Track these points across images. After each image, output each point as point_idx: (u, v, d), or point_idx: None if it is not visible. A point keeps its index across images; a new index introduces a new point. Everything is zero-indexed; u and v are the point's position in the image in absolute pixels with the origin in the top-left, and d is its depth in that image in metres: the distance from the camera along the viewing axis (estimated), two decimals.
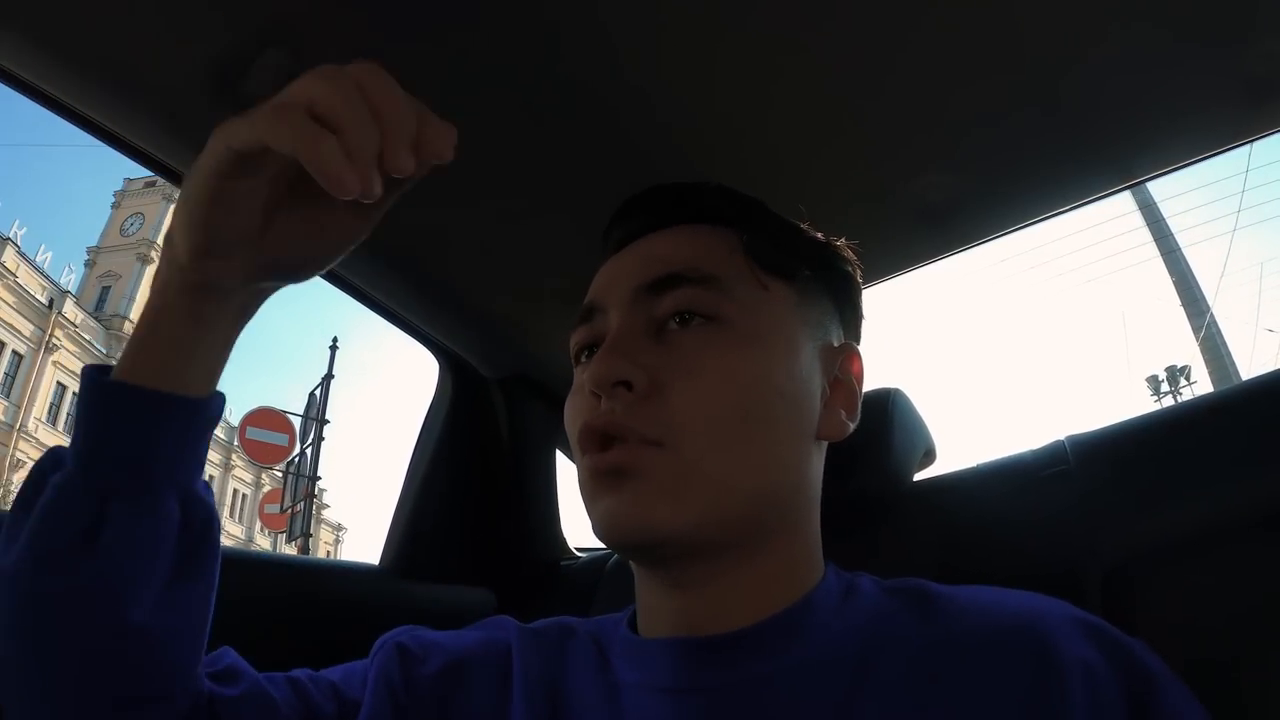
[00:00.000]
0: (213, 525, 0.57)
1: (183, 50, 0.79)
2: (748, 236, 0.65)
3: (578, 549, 1.41)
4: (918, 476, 0.94)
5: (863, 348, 0.70)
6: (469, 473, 1.33)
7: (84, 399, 0.52)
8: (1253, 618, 0.66)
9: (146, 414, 0.51)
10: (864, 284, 1.18)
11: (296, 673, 0.66)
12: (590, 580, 1.17)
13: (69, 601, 0.50)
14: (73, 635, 0.50)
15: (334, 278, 1.11)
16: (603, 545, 1.29)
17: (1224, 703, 0.52)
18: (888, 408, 0.89)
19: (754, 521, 0.58)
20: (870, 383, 0.82)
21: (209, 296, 0.52)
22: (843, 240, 0.74)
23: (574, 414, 0.62)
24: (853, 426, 0.65)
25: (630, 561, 0.63)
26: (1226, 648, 0.66)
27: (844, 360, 0.67)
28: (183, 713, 0.55)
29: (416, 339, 1.28)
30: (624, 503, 0.55)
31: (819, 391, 0.63)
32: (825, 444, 0.65)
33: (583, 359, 0.66)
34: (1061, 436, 0.86)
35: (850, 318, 0.72)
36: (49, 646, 0.51)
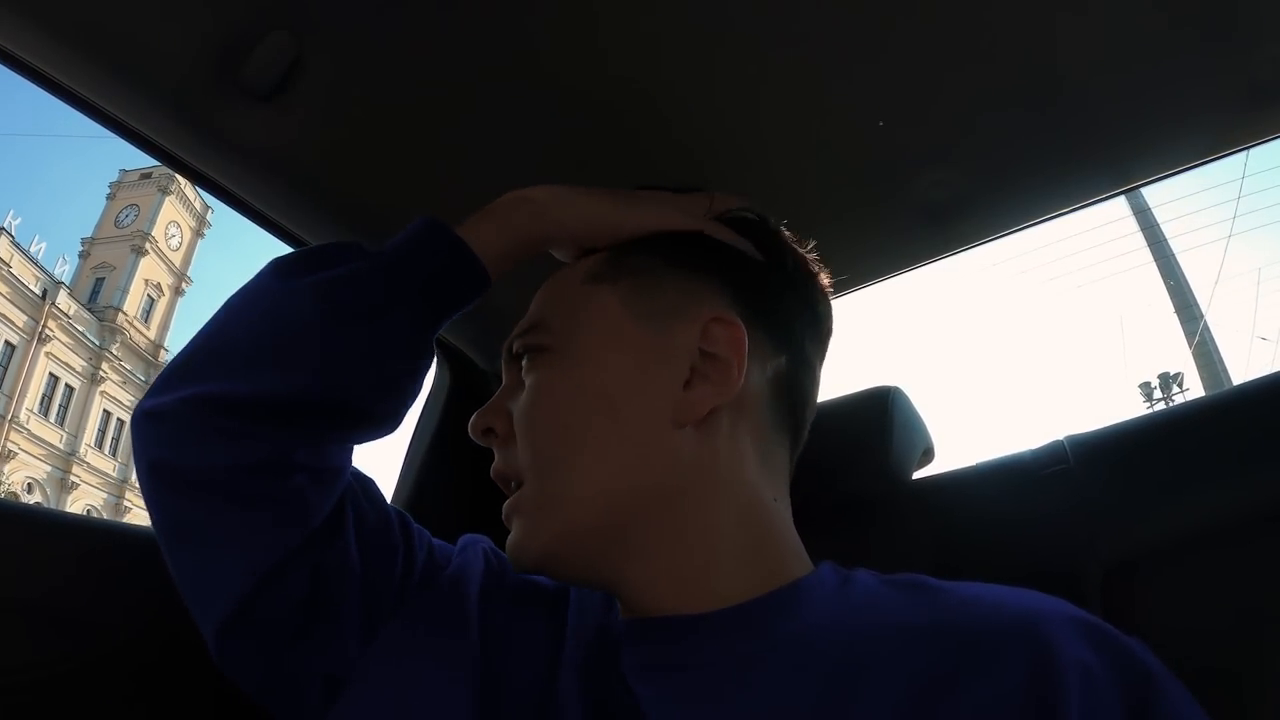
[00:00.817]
0: None
1: (186, 33, 0.79)
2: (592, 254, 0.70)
3: None
4: (917, 475, 0.94)
5: (862, 347, 0.70)
6: (465, 464, 1.33)
7: (455, 251, 0.67)
8: (1253, 617, 0.67)
9: (476, 290, 0.67)
10: (866, 282, 1.19)
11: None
12: None
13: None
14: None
15: None
16: None
17: (1223, 703, 0.52)
18: (887, 406, 0.89)
19: (622, 520, 0.60)
20: (870, 381, 0.82)
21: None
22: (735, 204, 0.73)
23: None
24: (722, 401, 0.62)
25: None
26: (1226, 647, 0.66)
27: (712, 333, 0.63)
28: (340, 486, 0.65)
29: None
30: (511, 539, 0.63)
31: (675, 376, 0.62)
32: (722, 423, 0.62)
33: None
34: (1061, 436, 0.86)
35: (743, 283, 0.67)
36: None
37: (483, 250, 0.66)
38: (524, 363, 0.66)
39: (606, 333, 0.64)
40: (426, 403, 1.34)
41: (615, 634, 0.63)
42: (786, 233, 0.73)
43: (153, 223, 34.99)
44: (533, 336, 0.66)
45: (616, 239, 0.68)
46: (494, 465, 0.66)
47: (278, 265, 0.64)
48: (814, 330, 0.70)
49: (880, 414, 0.88)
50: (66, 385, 29.20)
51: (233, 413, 0.59)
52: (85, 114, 0.83)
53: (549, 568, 0.62)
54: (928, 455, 0.95)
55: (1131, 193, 1.13)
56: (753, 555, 0.60)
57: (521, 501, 0.63)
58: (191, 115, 0.86)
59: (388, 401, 0.64)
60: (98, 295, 33.44)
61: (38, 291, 27.77)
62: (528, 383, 0.65)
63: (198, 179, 0.94)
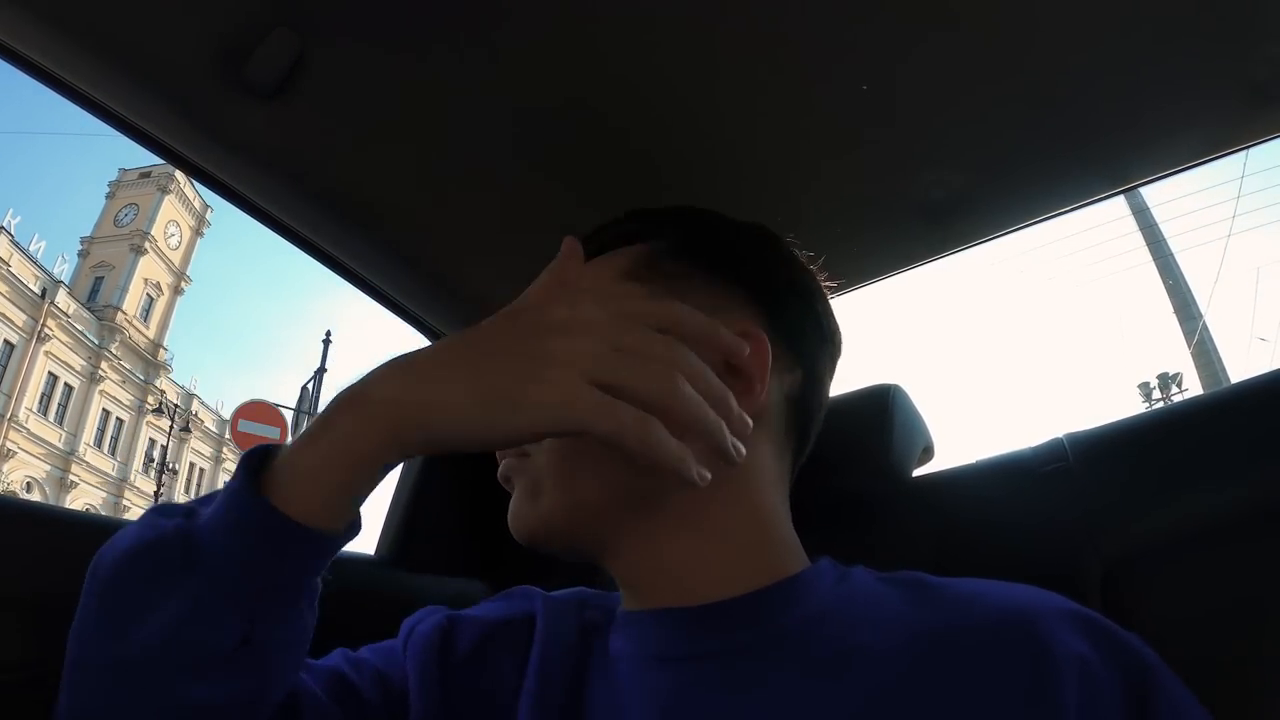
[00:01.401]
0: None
1: (190, 30, 0.79)
2: (631, 252, 0.68)
3: None
4: (916, 473, 0.94)
5: (863, 346, 0.70)
6: (464, 463, 1.33)
7: (247, 528, 0.49)
8: (1252, 614, 0.67)
9: (314, 553, 0.51)
10: (865, 281, 1.19)
11: (334, 658, 0.68)
12: (584, 570, 1.17)
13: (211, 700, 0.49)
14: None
15: (331, 262, 1.11)
16: None
17: (1223, 699, 0.52)
18: (887, 404, 0.89)
19: (636, 509, 0.60)
20: (871, 379, 0.82)
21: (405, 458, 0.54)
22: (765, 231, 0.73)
23: None
24: (763, 397, 0.62)
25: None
26: (1226, 644, 0.67)
27: (742, 350, 0.61)
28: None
29: (414, 327, 1.28)
30: (522, 505, 0.62)
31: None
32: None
33: None
34: (1060, 434, 0.86)
35: (768, 299, 0.67)
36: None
37: (310, 510, 0.49)
38: None
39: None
40: None
41: (594, 630, 0.65)
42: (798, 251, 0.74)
43: (152, 222, 35.02)
44: None
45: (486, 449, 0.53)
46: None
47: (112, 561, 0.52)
48: (828, 348, 0.71)
49: (880, 412, 0.88)
50: (66, 384, 29.20)
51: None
52: (89, 110, 0.84)
53: (551, 538, 0.62)
54: (927, 453, 0.95)
55: (1130, 192, 1.13)
56: (755, 553, 0.61)
57: (532, 468, 0.62)
58: (195, 112, 0.86)
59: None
60: (97, 294, 33.47)
61: (37, 290, 27.77)
62: None
63: (200, 175, 0.94)
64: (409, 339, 1.30)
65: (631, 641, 0.60)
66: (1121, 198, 1.16)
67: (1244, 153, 1.02)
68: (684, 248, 0.67)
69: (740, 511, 0.62)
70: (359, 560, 1.20)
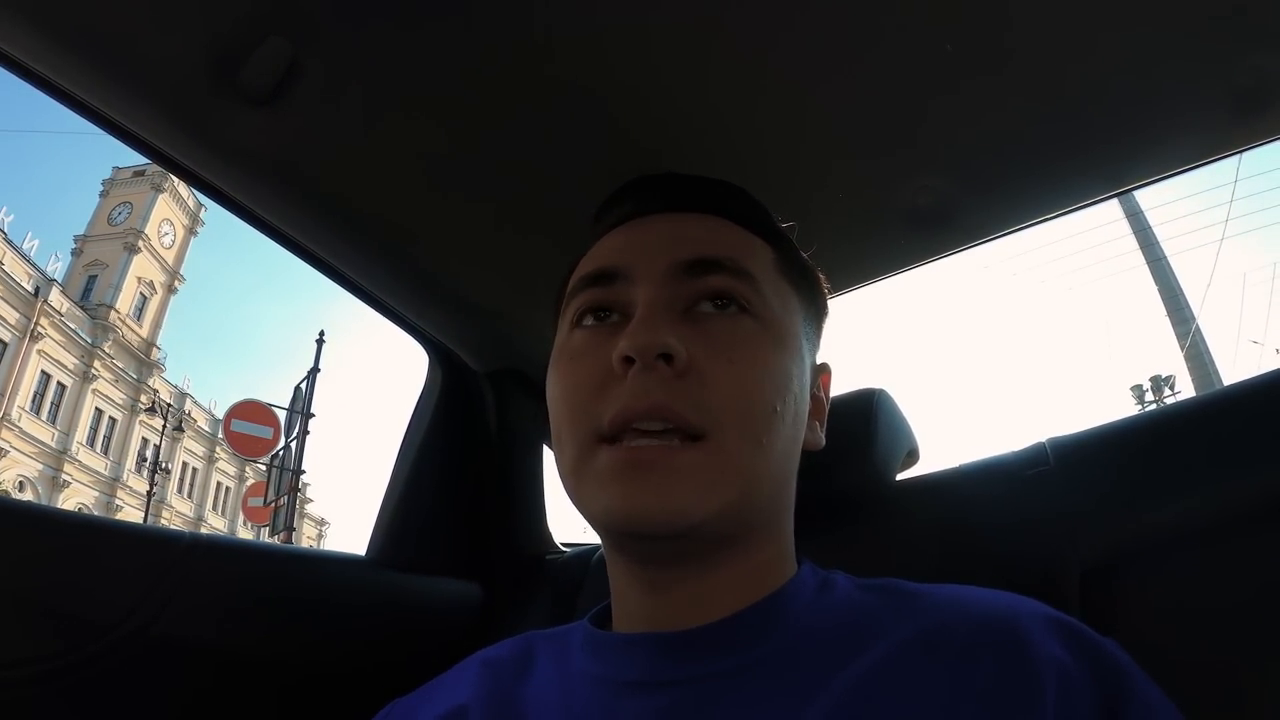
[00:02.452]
0: None
1: (184, 36, 0.79)
2: (773, 244, 0.67)
3: (563, 544, 1.41)
4: (900, 476, 0.94)
5: (851, 348, 0.72)
6: (456, 465, 1.33)
7: None
8: (1228, 617, 0.68)
9: None
10: (854, 285, 1.20)
11: None
12: (576, 574, 1.17)
13: None
14: None
15: (325, 268, 1.11)
16: (590, 540, 1.30)
17: (1198, 700, 0.53)
18: (871, 407, 0.90)
19: (761, 516, 0.60)
20: (857, 383, 0.83)
21: None
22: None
23: (577, 384, 0.60)
24: (824, 440, 0.67)
25: (620, 553, 0.62)
26: (1202, 647, 0.67)
27: (820, 378, 0.69)
28: None
29: (406, 330, 1.28)
30: (647, 492, 0.54)
31: (808, 401, 0.65)
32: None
33: (585, 322, 0.63)
34: (1043, 438, 0.87)
35: (820, 340, 0.72)
36: None
37: None
38: (710, 306, 0.60)
39: (795, 332, 0.63)
40: (418, 405, 1.34)
41: (545, 654, 0.64)
42: None
43: (146, 220, 34.87)
44: (747, 295, 0.60)
45: None
46: (652, 397, 0.54)
47: None
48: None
49: (865, 416, 0.89)
50: (59, 383, 29.06)
51: None
52: (83, 116, 0.84)
53: (683, 539, 0.55)
54: (912, 457, 0.96)
55: (1124, 196, 1.14)
56: (764, 575, 0.60)
57: (694, 460, 0.54)
58: (188, 119, 0.87)
59: None
60: (90, 293, 33.30)
61: (30, 289, 27.64)
62: (724, 330, 0.59)
63: (194, 181, 0.94)
64: (403, 341, 1.30)
65: (605, 665, 0.59)
66: (1115, 201, 1.16)
67: (1236, 159, 1.03)
68: (793, 266, 0.68)
69: (785, 533, 0.64)
70: (349, 561, 1.20)
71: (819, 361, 0.71)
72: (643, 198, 0.70)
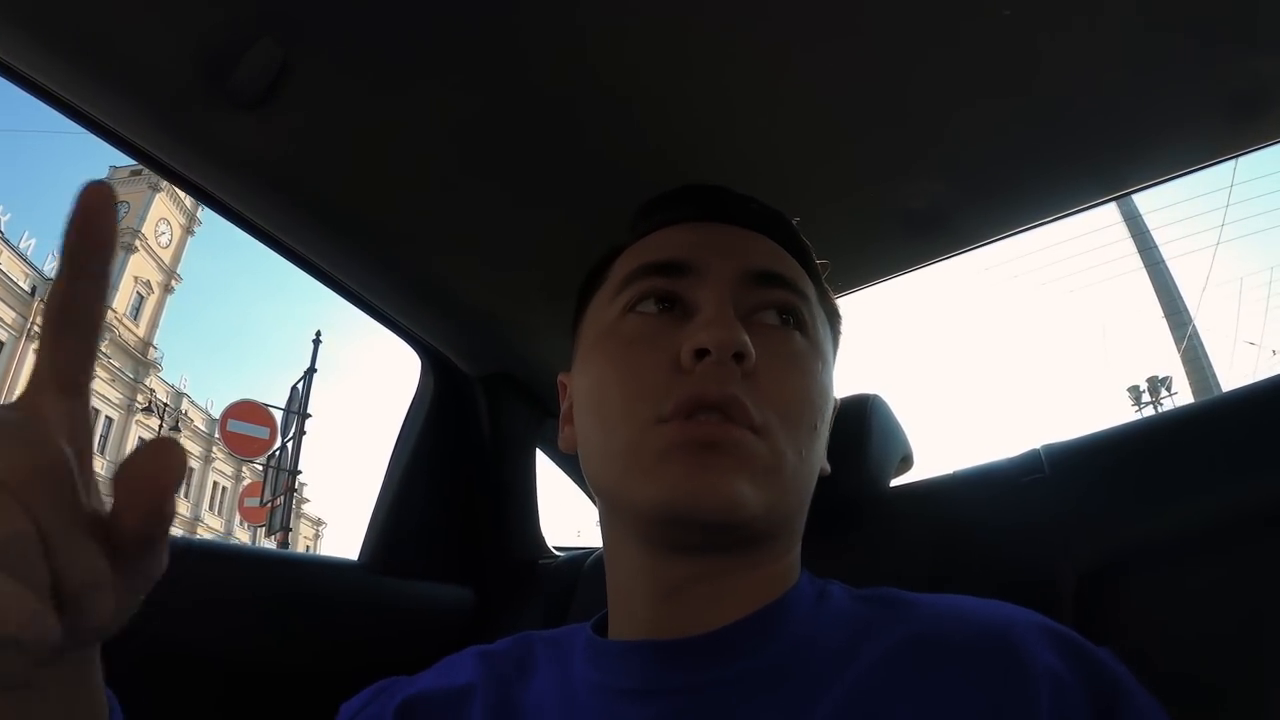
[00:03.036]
0: None
1: (174, 41, 0.79)
2: (815, 279, 0.70)
3: (556, 548, 1.41)
4: (895, 482, 0.94)
5: (845, 352, 0.74)
6: (449, 469, 1.33)
7: None
8: (1222, 625, 0.68)
9: None
10: (850, 288, 1.19)
11: None
12: (568, 580, 1.17)
13: None
14: None
15: (317, 271, 1.11)
16: (582, 546, 1.30)
17: (1190, 709, 0.53)
18: (866, 413, 0.89)
19: (790, 524, 0.62)
20: (853, 388, 0.82)
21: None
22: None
23: (636, 368, 0.60)
24: (829, 469, 0.67)
25: (651, 544, 0.60)
26: (1196, 653, 0.67)
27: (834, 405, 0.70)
28: None
29: (399, 335, 1.27)
30: (708, 474, 0.54)
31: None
32: None
33: (641, 308, 0.64)
34: (1037, 445, 0.87)
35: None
36: None
37: None
38: (775, 318, 0.63)
39: (830, 361, 0.68)
40: (410, 409, 1.34)
41: (545, 657, 0.64)
42: None
43: (143, 220, 34.82)
44: (805, 315, 0.64)
45: None
46: (727, 390, 0.55)
47: None
48: None
49: (859, 421, 0.88)
50: None
51: None
52: (72, 119, 0.84)
53: (737, 529, 0.56)
54: (906, 463, 0.95)
55: (1122, 200, 1.14)
56: (771, 584, 0.60)
57: (755, 450, 0.55)
58: (179, 122, 0.86)
59: None
60: None
61: (27, 288, 27.61)
62: (787, 344, 0.62)
63: (184, 185, 0.94)
64: (398, 344, 1.30)
65: (603, 672, 0.59)
66: (1113, 205, 1.16)
67: (1233, 163, 1.03)
68: (826, 305, 0.71)
69: (797, 545, 0.65)
70: (342, 566, 1.20)
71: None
72: (707, 204, 0.71)
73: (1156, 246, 12.00)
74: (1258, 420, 0.76)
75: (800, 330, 0.63)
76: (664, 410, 0.56)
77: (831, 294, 0.75)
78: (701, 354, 0.56)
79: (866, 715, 0.49)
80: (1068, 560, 0.76)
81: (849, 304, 1.27)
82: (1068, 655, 0.49)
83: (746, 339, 0.56)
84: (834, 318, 0.72)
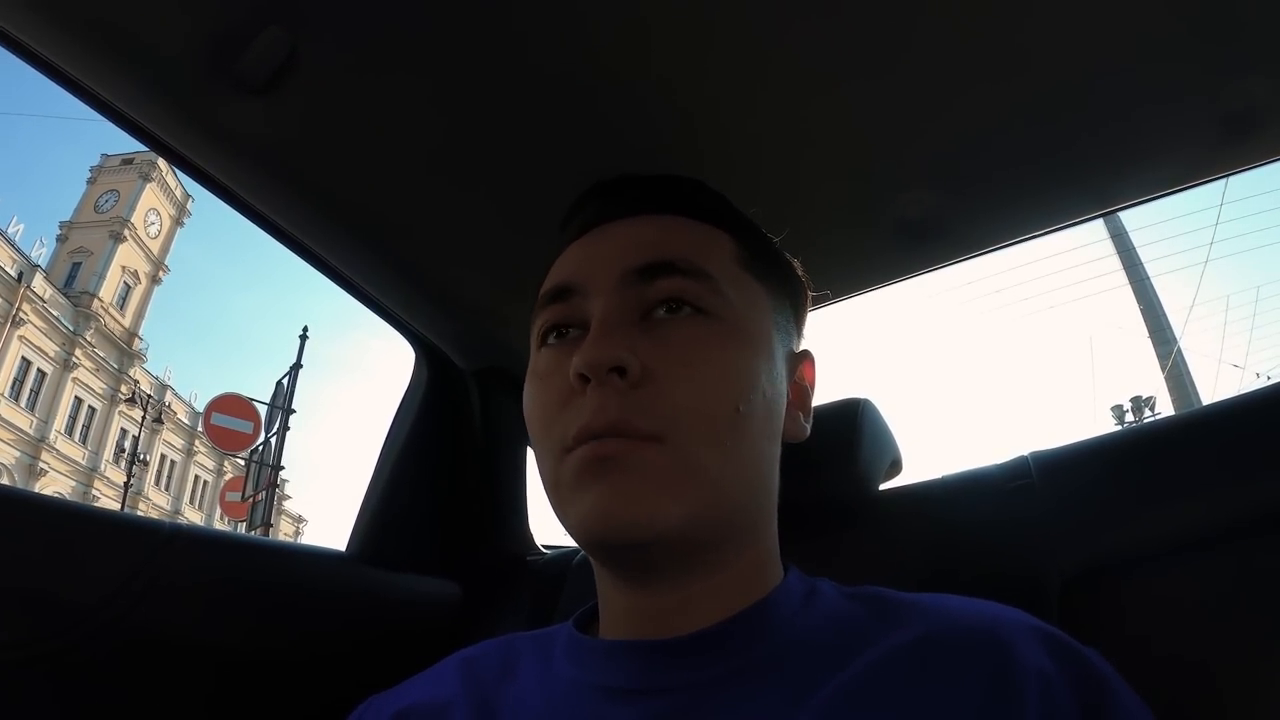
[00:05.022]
0: None
1: (183, 23, 0.79)
2: (736, 237, 0.66)
3: (544, 545, 1.41)
4: (884, 486, 0.95)
5: (838, 359, 0.73)
6: (439, 462, 1.33)
7: None
8: (1205, 629, 0.69)
9: None
10: (841, 296, 1.20)
11: None
12: (556, 576, 1.17)
13: None
14: None
15: (315, 259, 1.11)
16: (570, 544, 1.30)
17: (1175, 711, 0.54)
18: (856, 417, 0.90)
19: (737, 520, 0.59)
20: (843, 393, 0.83)
21: None
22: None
23: (545, 402, 0.60)
24: (809, 430, 0.67)
25: (600, 562, 0.62)
26: (1179, 658, 0.68)
27: (801, 366, 0.69)
28: None
29: (393, 325, 1.27)
30: (615, 496, 0.53)
31: (785, 394, 0.65)
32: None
33: (550, 340, 0.63)
34: (1026, 453, 0.88)
35: (802, 328, 0.74)
36: None
37: None
38: (664, 311, 0.60)
39: (761, 327, 0.63)
40: (402, 402, 1.34)
41: (529, 654, 0.64)
42: None
43: (132, 209, 34.62)
44: (701, 295, 0.60)
45: None
46: (603, 416, 0.54)
47: None
48: None
49: (849, 425, 0.89)
50: (39, 370, 28.79)
51: None
52: (80, 99, 0.84)
53: (653, 547, 0.55)
54: (895, 467, 0.96)
55: (1109, 217, 1.15)
56: (750, 580, 0.60)
57: (654, 460, 0.54)
58: (185, 106, 0.86)
59: None
60: (74, 280, 33.00)
61: (13, 274, 27.39)
62: (679, 334, 0.58)
63: (189, 169, 0.94)
64: (396, 341, 1.30)
65: (588, 671, 0.59)
66: (1100, 222, 1.17)
67: (1223, 183, 1.04)
68: (759, 256, 0.68)
69: (768, 534, 0.64)
70: (329, 557, 1.20)
71: (800, 349, 0.71)
72: (599, 205, 0.69)
73: (1142, 264, 12.08)
74: (1242, 430, 0.78)
75: (702, 312, 0.59)
76: (568, 439, 0.56)
77: (771, 238, 0.72)
78: (585, 378, 0.55)
79: (857, 714, 0.49)
80: (1054, 566, 0.77)
81: (839, 311, 1.29)
82: (1056, 654, 0.50)
83: (619, 351, 0.55)
84: (772, 269, 0.68)
